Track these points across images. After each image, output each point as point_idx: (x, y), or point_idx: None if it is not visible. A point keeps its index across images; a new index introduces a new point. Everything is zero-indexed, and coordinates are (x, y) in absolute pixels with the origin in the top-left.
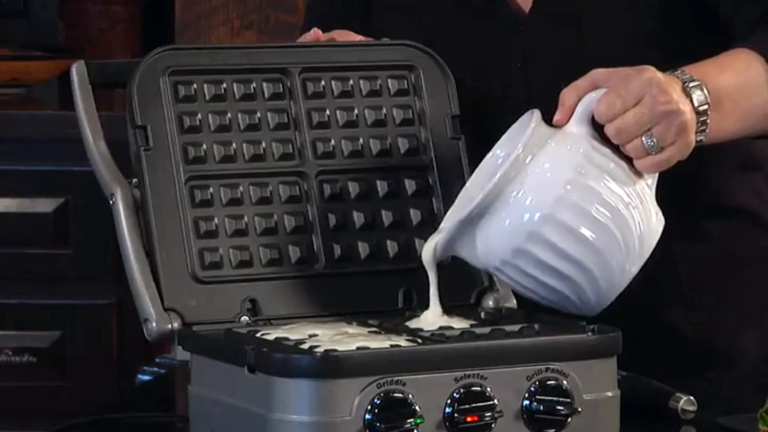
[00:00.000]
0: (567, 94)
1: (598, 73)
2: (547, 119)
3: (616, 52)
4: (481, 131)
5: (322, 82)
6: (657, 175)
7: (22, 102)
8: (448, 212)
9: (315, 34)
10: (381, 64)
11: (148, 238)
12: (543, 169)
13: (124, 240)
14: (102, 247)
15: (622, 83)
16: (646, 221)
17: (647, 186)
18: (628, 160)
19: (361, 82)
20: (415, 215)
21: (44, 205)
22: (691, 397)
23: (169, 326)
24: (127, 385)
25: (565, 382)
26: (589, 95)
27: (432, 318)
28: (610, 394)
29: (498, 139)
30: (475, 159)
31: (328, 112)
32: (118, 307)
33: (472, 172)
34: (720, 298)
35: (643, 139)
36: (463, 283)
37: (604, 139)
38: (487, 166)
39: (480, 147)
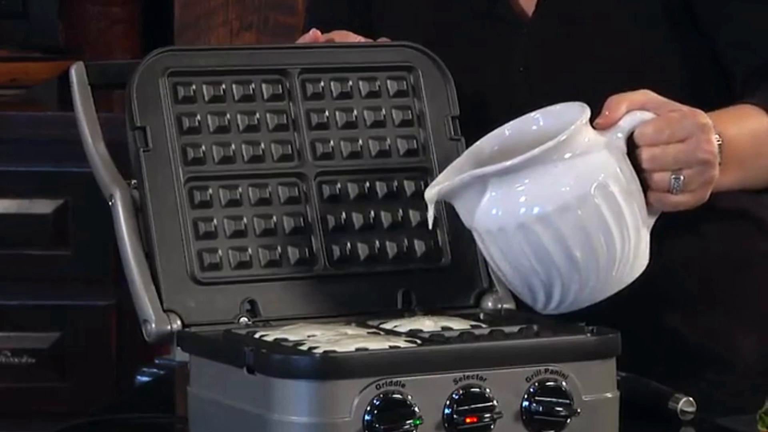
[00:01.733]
0: (616, 102)
1: (653, 95)
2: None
3: (619, 56)
4: (481, 132)
5: (322, 83)
6: (658, 214)
7: (21, 103)
8: (453, 163)
9: (314, 34)
10: (380, 65)
11: (147, 239)
12: (579, 167)
13: (124, 241)
14: (101, 248)
15: (676, 117)
16: (641, 252)
17: (651, 222)
18: (645, 189)
19: (361, 83)
20: (414, 216)
21: (44, 206)
22: (691, 398)
23: (169, 327)
24: (127, 386)
25: (564, 383)
26: (637, 113)
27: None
28: (609, 395)
29: None
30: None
31: (327, 113)
32: (118, 309)
33: None
34: (719, 300)
35: (672, 176)
36: (463, 285)
37: (630, 158)
38: (521, 130)
39: None
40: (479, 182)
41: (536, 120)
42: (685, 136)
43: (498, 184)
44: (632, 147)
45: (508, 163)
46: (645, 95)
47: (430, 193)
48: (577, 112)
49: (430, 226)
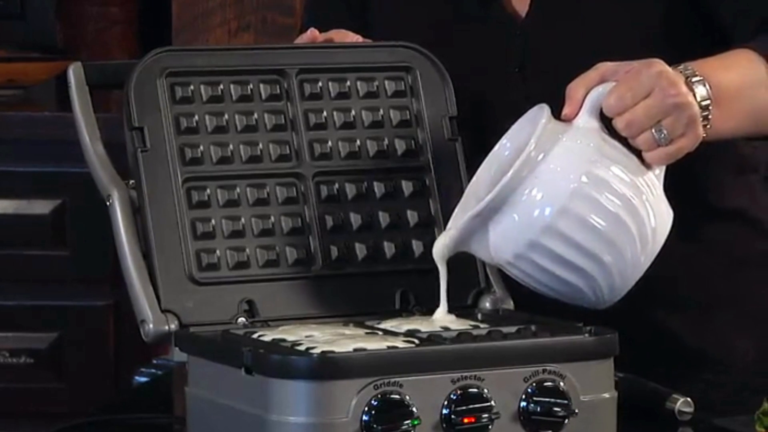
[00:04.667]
0: (575, 88)
1: (605, 67)
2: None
3: (614, 56)
4: (479, 132)
5: (319, 84)
6: (665, 168)
7: (19, 103)
8: (457, 207)
9: (312, 34)
10: (378, 66)
11: (145, 239)
12: (556, 165)
13: (122, 241)
14: (99, 248)
15: (631, 76)
16: (657, 213)
17: (656, 178)
18: (637, 153)
19: (359, 83)
20: (412, 216)
21: (41, 206)
22: (688, 399)
23: (167, 327)
24: (125, 387)
25: (562, 384)
26: (597, 88)
27: (441, 317)
28: (607, 395)
29: (496, 140)
30: (473, 160)
31: (325, 113)
32: (116, 309)
33: (469, 173)
34: (716, 300)
35: (653, 131)
36: (460, 285)
37: (612, 132)
38: (496, 159)
39: (478, 148)
40: (479, 221)
41: (505, 145)
42: (647, 91)
43: (496, 215)
44: (608, 120)
45: (492, 193)
46: (597, 70)
47: (439, 249)
48: (538, 115)
49: (443, 288)
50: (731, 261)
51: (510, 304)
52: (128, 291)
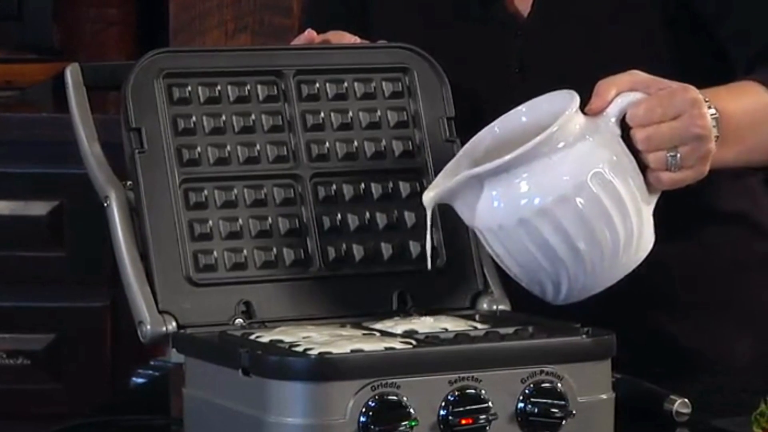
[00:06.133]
0: (605, 87)
1: (639, 76)
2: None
3: (614, 58)
4: (479, 131)
5: (317, 85)
6: (659, 192)
7: (16, 105)
8: (450, 162)
9: (309, 35)
10: (375, 67)
11: (142, 240)
12: (573, 157)
13: (119, 242)
14: (96, 249)
15: (665, 94)
16: (646, 231)
17: (652, 199)
18: (643, 169)
19: (356, 84)
20: (409, 218)
21: (39, 207)
22: (686, 400)
23: (164, 329)
24: (122, 388)
25: (559, 385)
26: (628, 94)
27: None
28: (604, 396)
29: None
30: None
31: (322, 114)
32: (113, 310)
33: None
34: (714, 301)
35: (668, 154)
36: (458, 286)
37: (625, 140)
38: (505, 124)
39: None
40: (476, 182)
41: (523, 113)
42: (677, 113)
43: (495, 182)
44: (625, 129)
45: (503, 159)
46: (632, 76)
47: (428, 197)
48: (566, 100)
49: (429, 230)
50: (730, 263)
51: (507, 305)
52: (125, 292)
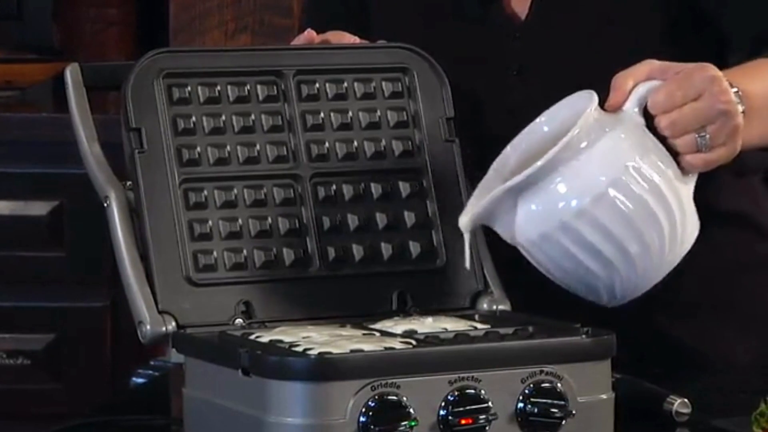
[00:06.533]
0: (622, 79)
1: (653, 64)
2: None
3: (612, 58)
4: (477, 134)
5: (317, 85)
6: (696, 176)
7: (16, 105)
8: (479, 184)
9: (308, 35)
10: (375, 67)
11: (142, 240)
12: (600, 154)
13: (119, 242)
14: (96, 249)
15: (683, 77)
16: (689, 219)
17: (689, 184)
18: (674, 155)
19: (356, 84)
20: (409, 217)
21: (39, 207)
22: (686, 400)
23: (164, 329)
24: (122, 388)
25: (559, 385)
26: (645, 83)
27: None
28: (604, 396)
29: (494, 142)
30: (470, 161)
31: (322, 114)
32: (113, 310)
33: (465, 174)
34: (716, 302)
35: (696, 135)
36: (458, 286)
37: (651, 130)
38: (528, 137)
39: (475, 150)
40: (510, 196)
41: (543, 123)
42: (698, 93)
43: (528, 193)
44: (649, 118)
45: (532, 169)
46: (647, 65)
47: (464, 221)
48: (585, 99)
49: (467, 260)
50: (732, 264)
51: (507, 305)
52: (125, 292)
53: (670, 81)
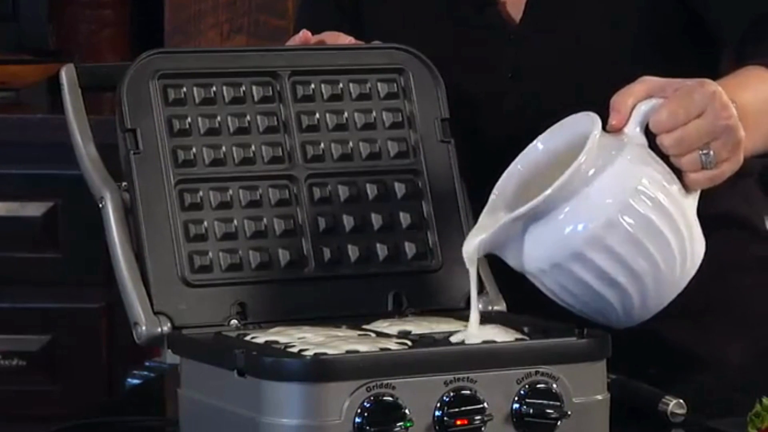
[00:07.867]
0: (621, 99)
1: (651, 81)
2: (545, 126)
3: (606, 63)
4: (472, 136)
5: (312, 86)
6: (699, 192)
7: (11, 106)
8: (484, 210)
9: (304, 35)
10: (371, 68)
11: (137, 241)
12: (608, 180)
13: (114, 243)
14: (91, 250)
15: (683, 94)
16: (696, 237)
17: (694, 202)
18: (678, 173)
19: (351, 85)
20: (404, 218)
21: (33, 208)
22: (681, 401)
23: (159, 330)
24: (117, 389)
25: (554, 386)
26: (646, 102)
27: (473, 330)
28: (599, 397)
29: (491, 143)
30: (467, 162)
31: (317, 115)
32: (108, 311)
33: (461, 175)
34: (711, 303)
35: (701, 153)
36: (453, 287)
37: (653, 149)
38: (527, 161)
39: (471, 151)
40: (518, 224)
41: (541, 143)
42: (700, 110)
43: (538, 222)
44: (650, 137)
45: (540, 199)
46: (645, 83)
47: (470, 249)
48: (587, 122)
49: (474, 286)
50: (727, 266)
51: (503, 306)
52: (121, 293)
53: (671, 99)
